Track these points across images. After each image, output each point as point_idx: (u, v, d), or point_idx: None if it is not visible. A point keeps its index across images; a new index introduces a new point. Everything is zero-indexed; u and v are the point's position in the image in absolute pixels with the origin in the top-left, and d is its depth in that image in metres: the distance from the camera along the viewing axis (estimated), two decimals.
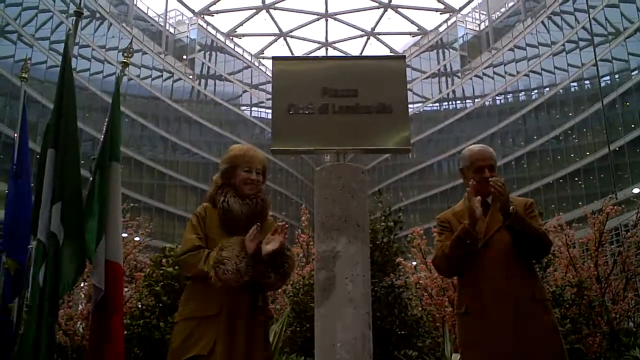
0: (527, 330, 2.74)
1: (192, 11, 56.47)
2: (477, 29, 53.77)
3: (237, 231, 2.79)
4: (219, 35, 56.86)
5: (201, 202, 3.02)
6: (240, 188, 2.89)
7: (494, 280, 2.83)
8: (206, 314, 2.66)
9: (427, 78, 54.26)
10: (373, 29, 61.65)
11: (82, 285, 6.80)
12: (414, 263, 7.36)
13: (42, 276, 3.00)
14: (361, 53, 55.78)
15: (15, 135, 4.02)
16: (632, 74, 31.88)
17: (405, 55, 3.92)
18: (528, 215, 2.98)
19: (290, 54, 59.44)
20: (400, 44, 63.72)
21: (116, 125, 3.65)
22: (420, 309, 6.68)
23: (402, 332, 6.08)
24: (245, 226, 2.80)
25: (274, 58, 3.54)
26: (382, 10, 59.15)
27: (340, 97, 3.32)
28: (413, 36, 61.90)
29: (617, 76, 33.51)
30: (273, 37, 62.53)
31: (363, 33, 62.40)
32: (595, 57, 34.11)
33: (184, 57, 52.24)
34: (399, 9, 58.66)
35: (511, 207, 2.84)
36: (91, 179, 3.51)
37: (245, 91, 56.89)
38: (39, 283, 2.99)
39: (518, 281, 2.84)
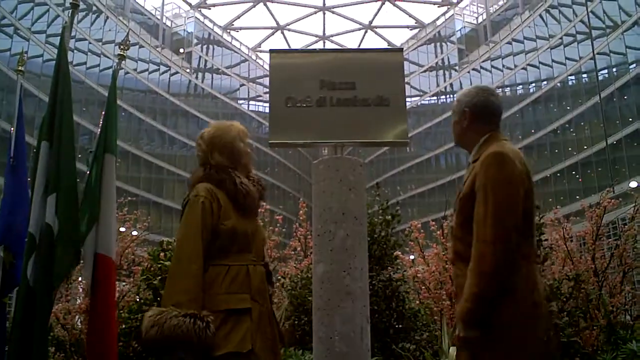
0: None
1: (189, 4, 56.23)
2: (475, 22, 53.70)
3: (251, 212, 2.66)
4: (216, 29, 56.67)
5: None
6: (248, 166, 2.75)
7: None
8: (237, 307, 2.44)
9: (424, 71, 54.19)
10: (371, 22, 61.48)
11: (79, 279, 6.79)
12: (412, 257, 7.36)
13: (31, 268, 2.98)
14: (359, 47, 55.58)
15: (12, 129, 4.01)
16: (630, 67, 31.81)
17: (402, 48, 3.90)
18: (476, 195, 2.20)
19: (287, 48, 59.24)
20: (398, 38, 63.63)
21: (112, 118, 3.62)
22: (417, 302, 6.69)
23: (400, 326, 6.09)
24: (255, 207, 2.71)
25: (271, 51, 3.53)
26: (379, 3, 58.96)
27: (338, 89, 3.31)
28: (411, 29, 61.75)
29: (614, 69, 33.45)
30: (270, 31, 62.35)
31: (361, 26, 62.20)
32: (593, 51, 34.04)
33: (181, 50, 52.07)
34: (397, 2, 58.47)
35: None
36: (88, 171, 3.49)
37: (242, 85, 56.77)
38: (27, 276, 2.97)
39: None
